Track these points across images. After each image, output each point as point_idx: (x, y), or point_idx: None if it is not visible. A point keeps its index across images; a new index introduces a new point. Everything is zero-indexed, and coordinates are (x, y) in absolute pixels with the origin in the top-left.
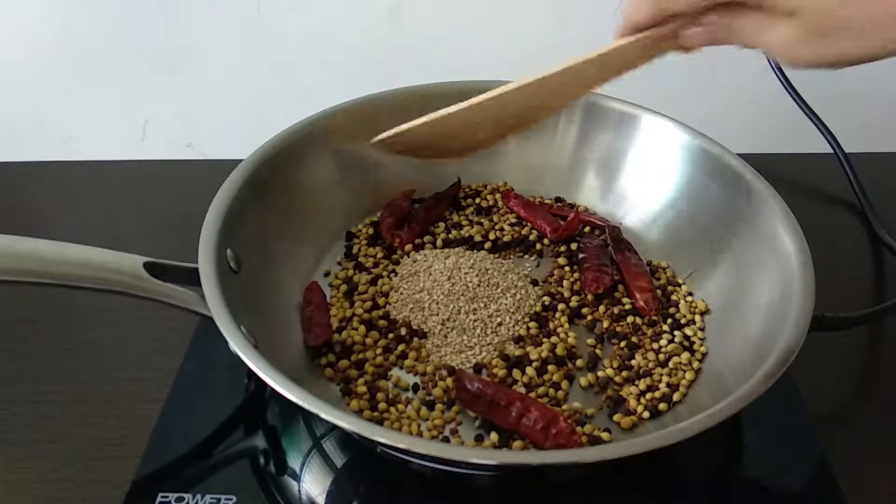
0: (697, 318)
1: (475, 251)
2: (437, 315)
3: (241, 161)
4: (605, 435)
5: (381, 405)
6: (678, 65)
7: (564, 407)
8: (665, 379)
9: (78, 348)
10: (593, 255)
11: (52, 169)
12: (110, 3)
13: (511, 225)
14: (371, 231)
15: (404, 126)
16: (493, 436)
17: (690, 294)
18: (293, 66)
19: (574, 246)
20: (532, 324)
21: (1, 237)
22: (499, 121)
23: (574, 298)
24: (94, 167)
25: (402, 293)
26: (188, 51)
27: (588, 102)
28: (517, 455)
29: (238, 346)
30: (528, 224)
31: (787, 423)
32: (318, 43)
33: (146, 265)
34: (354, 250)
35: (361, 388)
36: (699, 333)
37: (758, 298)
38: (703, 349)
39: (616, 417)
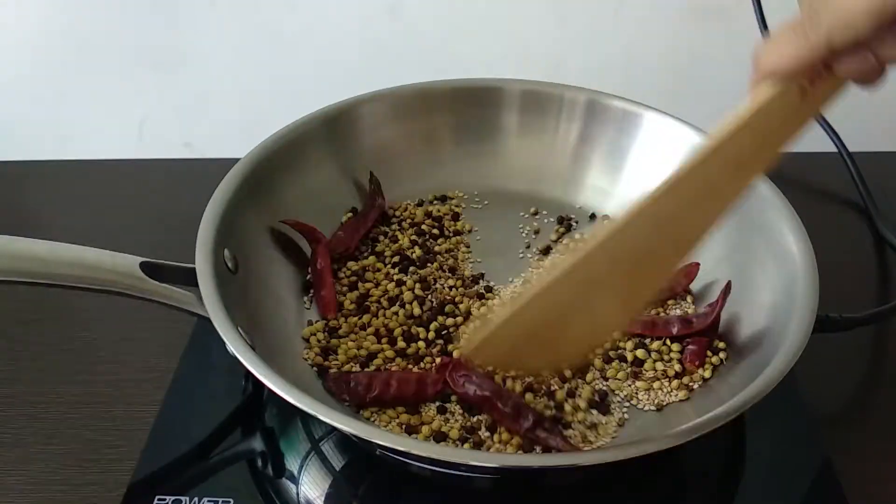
0: None
1: None
2: None
3: (238, 160)
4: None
5: None
6: (681, 63)
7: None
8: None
9: (74, 349)
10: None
11: (49, 168)
12: (108, 3)
13: None
14: None
15: (485, 330)
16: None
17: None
18: (292, 66)
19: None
20: None
21: None
22: (611, 288)
23: None
24: (91, 167)
25: None
26: (186, 50)
27: (590, 100)
28: (517, 458)
29: (235, 347)
30: None
31: (790, 425)
32: (317, 42)
33: (143, 265)
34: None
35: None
36: None
37: (761, 298)
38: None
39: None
